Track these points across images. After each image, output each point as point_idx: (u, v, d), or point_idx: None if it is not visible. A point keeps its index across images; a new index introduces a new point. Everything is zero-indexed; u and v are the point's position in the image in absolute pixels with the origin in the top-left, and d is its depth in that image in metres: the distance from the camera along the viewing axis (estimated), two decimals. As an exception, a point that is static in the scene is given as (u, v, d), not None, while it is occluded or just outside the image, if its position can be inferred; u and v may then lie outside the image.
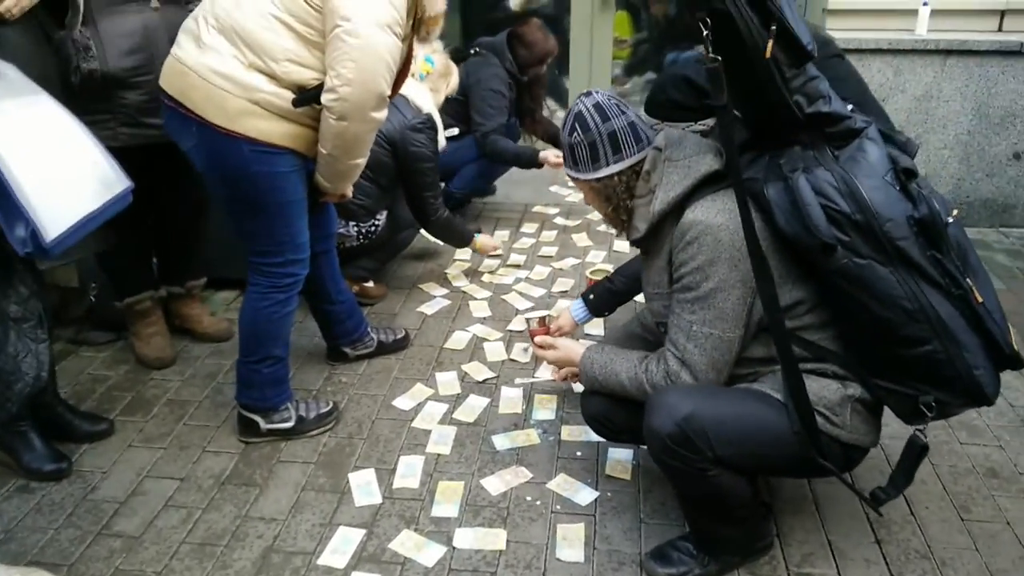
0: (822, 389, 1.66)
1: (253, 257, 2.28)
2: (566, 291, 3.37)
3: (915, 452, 1.63)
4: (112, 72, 2.32)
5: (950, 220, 1.54)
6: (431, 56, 3.10)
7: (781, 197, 1.59)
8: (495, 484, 2.22)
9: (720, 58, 1.51)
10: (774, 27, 1.53)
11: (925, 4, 3.82)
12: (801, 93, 1.58)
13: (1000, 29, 3.95)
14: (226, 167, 2.13)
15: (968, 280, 1.54)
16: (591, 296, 2.60)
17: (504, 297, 3.32)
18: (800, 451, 1.63)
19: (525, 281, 3.46)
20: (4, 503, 2.19)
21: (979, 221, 4.07)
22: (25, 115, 1.74)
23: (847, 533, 2.04)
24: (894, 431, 1.99)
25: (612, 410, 1.94)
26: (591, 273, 3.29)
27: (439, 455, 2.35)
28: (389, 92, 2.12)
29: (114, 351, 2.94)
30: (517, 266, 3.61)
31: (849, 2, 4.00)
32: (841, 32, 3.83)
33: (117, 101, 2.37)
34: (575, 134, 1.79)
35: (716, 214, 1.66)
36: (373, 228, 3.12)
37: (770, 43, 1.54)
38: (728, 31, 1.50)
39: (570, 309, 2.64)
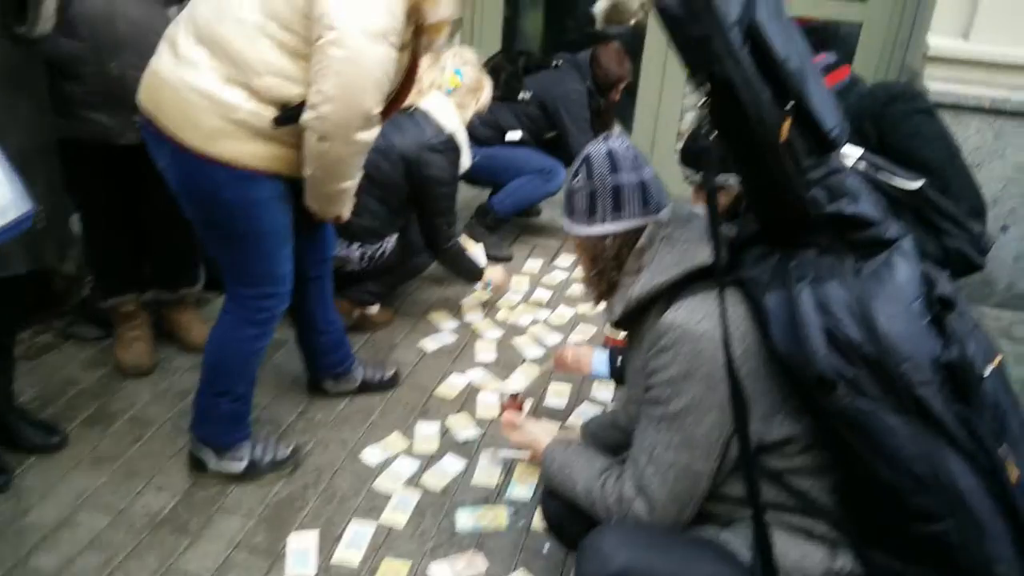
0: (803, 557, 1.33)
1: (229, 282, 2.10)
2: (583, 341, 3.07)
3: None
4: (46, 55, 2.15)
5: (988, 370, 1.21)
6: (461, 68, 2.83)
7: (781, 309, 1.28)
8: (443, 572, 1.96)
9: (717, 131, 1.24)
10: (791, 104, 1.24)
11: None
12: (821, 187, 1.28)
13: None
14: (200, 191, 1.94)
15: (1004, 448, 1.20)
16: (618, 362, 2.30)
17: (515, 340, 3.04)
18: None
19: (543, 324, 3.17)
20: (-68, 514, 2.07)
21: (1081, 315, 3.56)
22: None
23: None
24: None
25: (569, 518, 1.64)
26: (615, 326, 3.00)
27: (391, 529, 2.10)
28: (378, 110, 1.89)
29: (97, 351, 2.80)
30: (540, 304, 3.33)
31: (954, 50, 3.53)
32: (940, 84, 3.40)
33: (57, 88, 2.21)
34: (578, 178, 1.55)
35: (702, 319, 1.36)
36: (380, 253, 2.88)
37: (785, 124, 1.25)
38: (732, 101, 1.22)
39: (593, 354, 2.36)
